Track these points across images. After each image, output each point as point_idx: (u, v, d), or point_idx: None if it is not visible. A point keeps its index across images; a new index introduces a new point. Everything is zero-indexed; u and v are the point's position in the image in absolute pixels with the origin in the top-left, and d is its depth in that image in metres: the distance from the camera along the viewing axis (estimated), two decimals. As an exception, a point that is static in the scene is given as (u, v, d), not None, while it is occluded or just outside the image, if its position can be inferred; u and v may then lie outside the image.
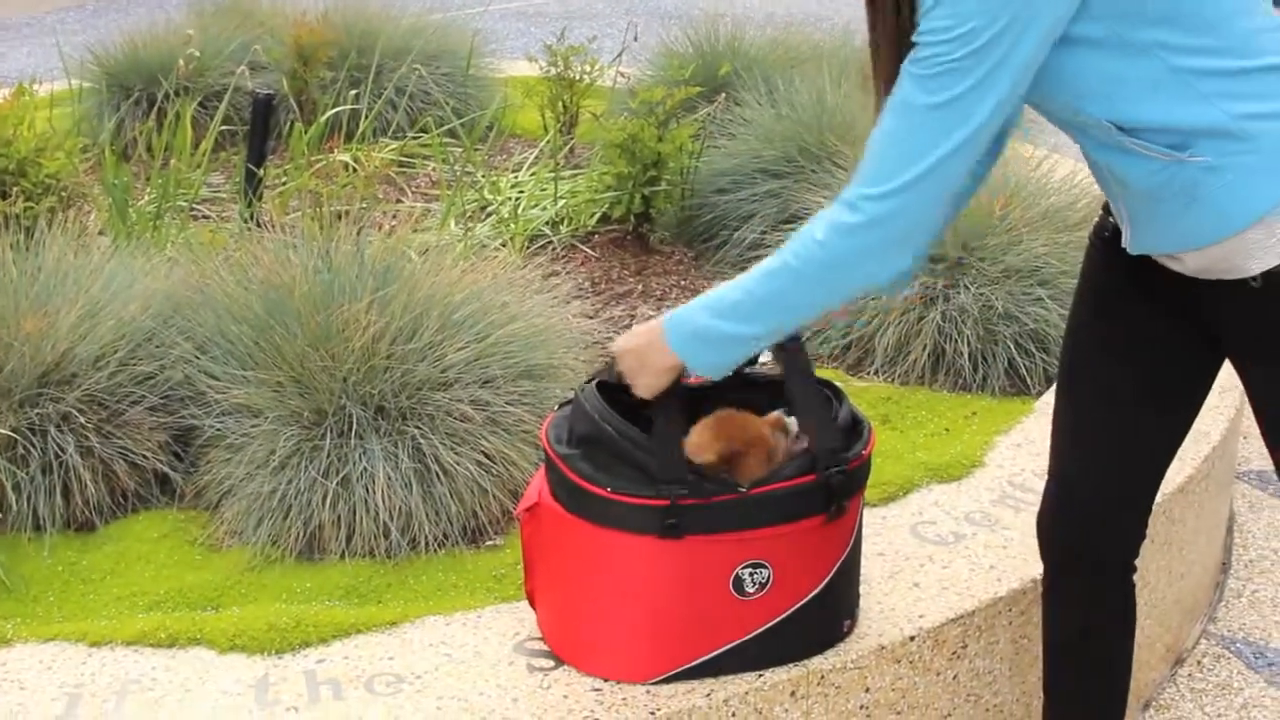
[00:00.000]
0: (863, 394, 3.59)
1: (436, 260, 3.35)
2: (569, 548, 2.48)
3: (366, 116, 5.08)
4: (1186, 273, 2.07)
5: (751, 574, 2.45)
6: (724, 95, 5.00)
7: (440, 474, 2.97)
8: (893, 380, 3.67)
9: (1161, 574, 3.16)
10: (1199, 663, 3.37)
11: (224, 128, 4.96)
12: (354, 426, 2.96)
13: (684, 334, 2.18)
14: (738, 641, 2.49)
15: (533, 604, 2.66)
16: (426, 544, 2.94)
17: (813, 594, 2.52)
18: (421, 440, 2.98)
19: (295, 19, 5.73)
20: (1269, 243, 1.95)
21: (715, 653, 2.49)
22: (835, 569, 2.53)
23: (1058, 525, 2.47)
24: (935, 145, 1.88)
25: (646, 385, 2.29)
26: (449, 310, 3.19)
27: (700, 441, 2.41)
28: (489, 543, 3.00)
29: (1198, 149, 1.93)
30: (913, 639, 2.65)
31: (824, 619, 2.57)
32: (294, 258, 3.21)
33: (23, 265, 3.24)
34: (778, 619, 2.50)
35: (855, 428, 2.54)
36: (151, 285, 3.24)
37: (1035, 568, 2.82)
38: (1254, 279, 1.98)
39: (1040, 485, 3.04)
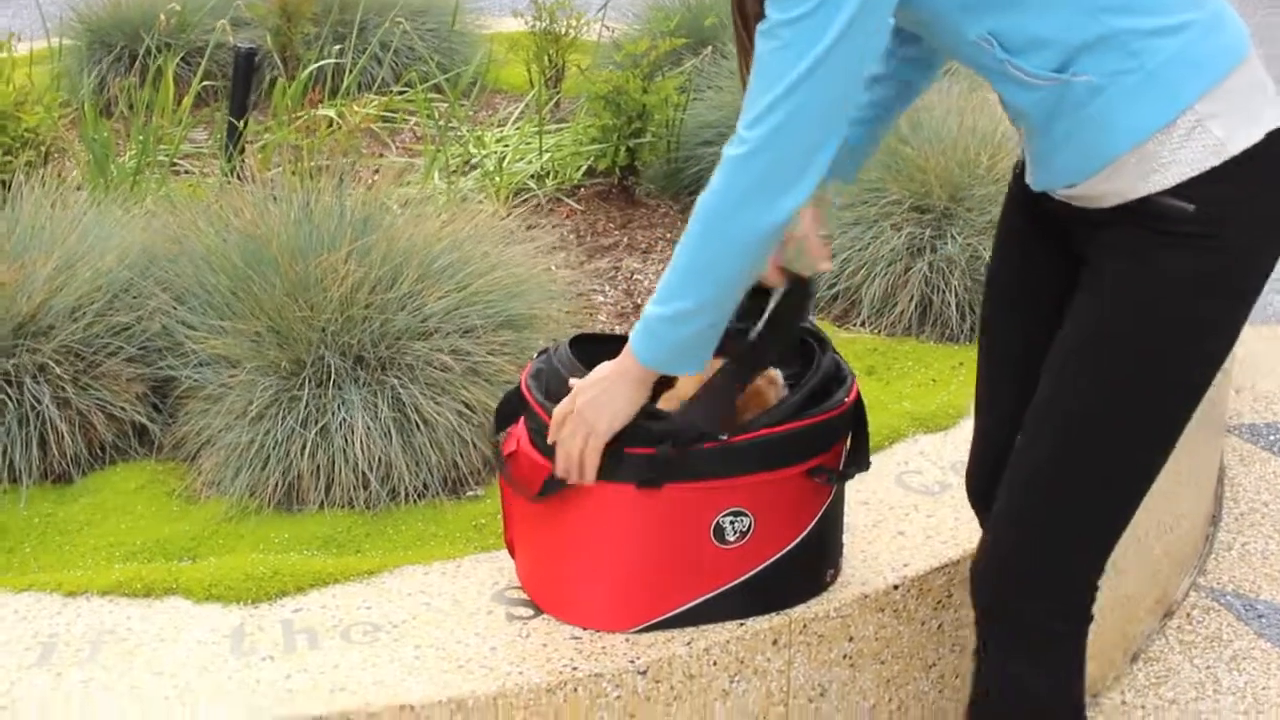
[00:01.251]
0: (849, 345, 3.56)
1: (418, 212, 3.31)
2: (548, 496, 2.45)
3: (350, 72, 5.03)
4: (1087, 206, 1.98)
5: (732, 522, 2.42)
6: (710, 48, 4.95)
7: (420, 424, 2.94)
8: (879, 332, 3.64)
9: (1150, 526, 3.13)
10: (1188, 615, 3.35)
11: (206, 83, 4.91)
12: (332, 376, 2.93)
13: (639, 337, 2.10)
14: (719, 590, 2.46)
15: (512, 553, 2.63)
16: (406, 494, 2.91)
17: (795, 543, 2.49)
18: (401, 390, 2.95)
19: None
20: (1144, 169, 1.88)
21: (696, 601, 2.46)
22: (818, 518, 2.50)
23: (982, 483, 2.38)
24: (798, 59, 1.80)
25: (619, 411, 2.22)
26: (429, 260, 3.15)
27: None
28: (469, 493, 2.97)
29: (1080, 66, 1.86)
30: (896, 588, 2.63)
31: (806, 568, 2.55)
32: (273, 209, 3.17)
33: (-1, 215, 3.20)
34: (759, 568, 2.47)
35: (838, 375, 2.51)
36: (129, 237, 3.20)
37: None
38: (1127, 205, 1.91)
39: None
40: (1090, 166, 1.91)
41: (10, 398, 2.95)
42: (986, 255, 3.61)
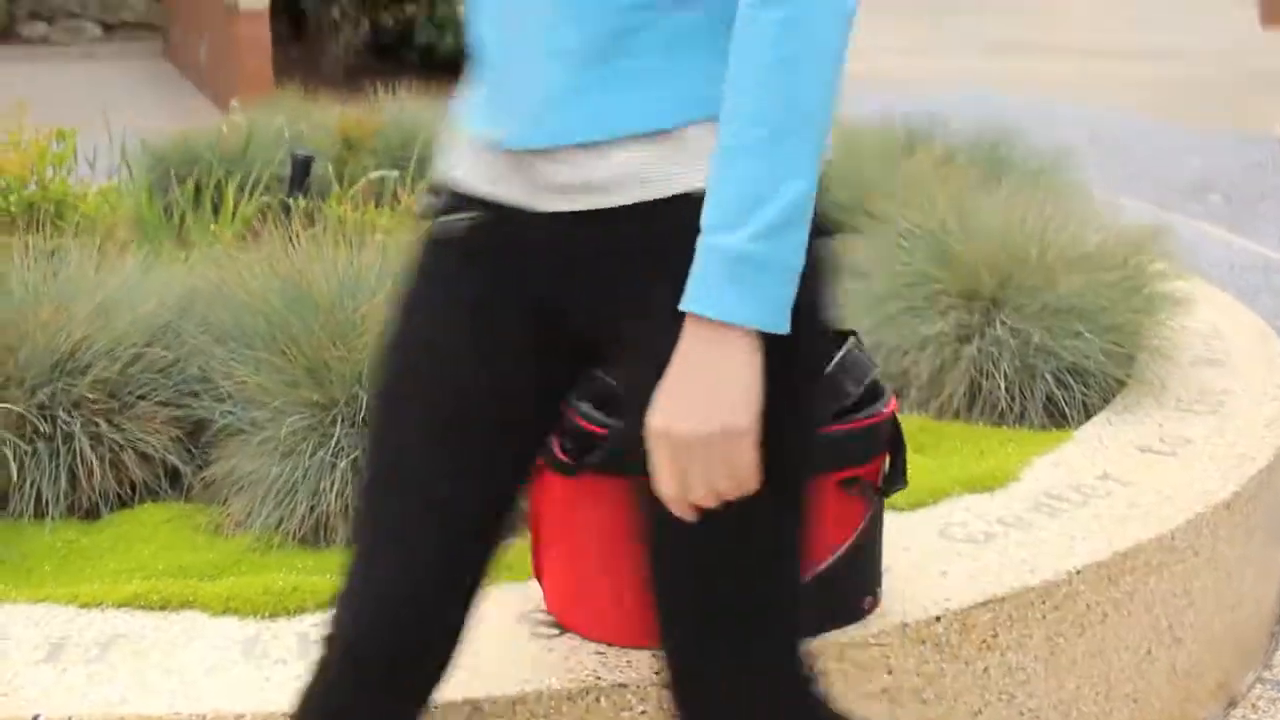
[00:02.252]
0: (896, 425, 3.49)
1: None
2: (573, 502, 2.38)
3: (406, 189, 5.09)
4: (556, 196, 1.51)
5: None
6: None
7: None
8: (927, 414, 3.57)
9: (1209, 596, 3.01)
10: (1254, 705, 3.20)
11: (264, 198, 4.98)
12: (364, 413, 2.88)
13: (734, 291, 1.38)
14: None
15: (539, 579, 2.55)
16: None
17: (830, 560, 2.40)
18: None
19: (342, 111, 5.79)
20: (696, 150, 1.46)
21: None
22: (854, 536, 2.42)
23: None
24: None
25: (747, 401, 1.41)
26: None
27: None
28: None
29: None
30: (939, 619, 2.52)
31: (843, 590, 2.45)
32: (317, 259, 3.17)
33: (45, 267, 3.22)
34: None
35: (874, 390, 2.45)
36: (172, 280, 3.21)
37: (1071, 562, 2.70)
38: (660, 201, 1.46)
39: (1076, 498, 2.94)
40: (644, 121, 1.50)
41: (43, 431, 2.92)
42: (1036, 338, 3.56)
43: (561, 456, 2.34)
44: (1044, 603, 2.64)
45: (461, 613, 1.75)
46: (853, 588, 2.47)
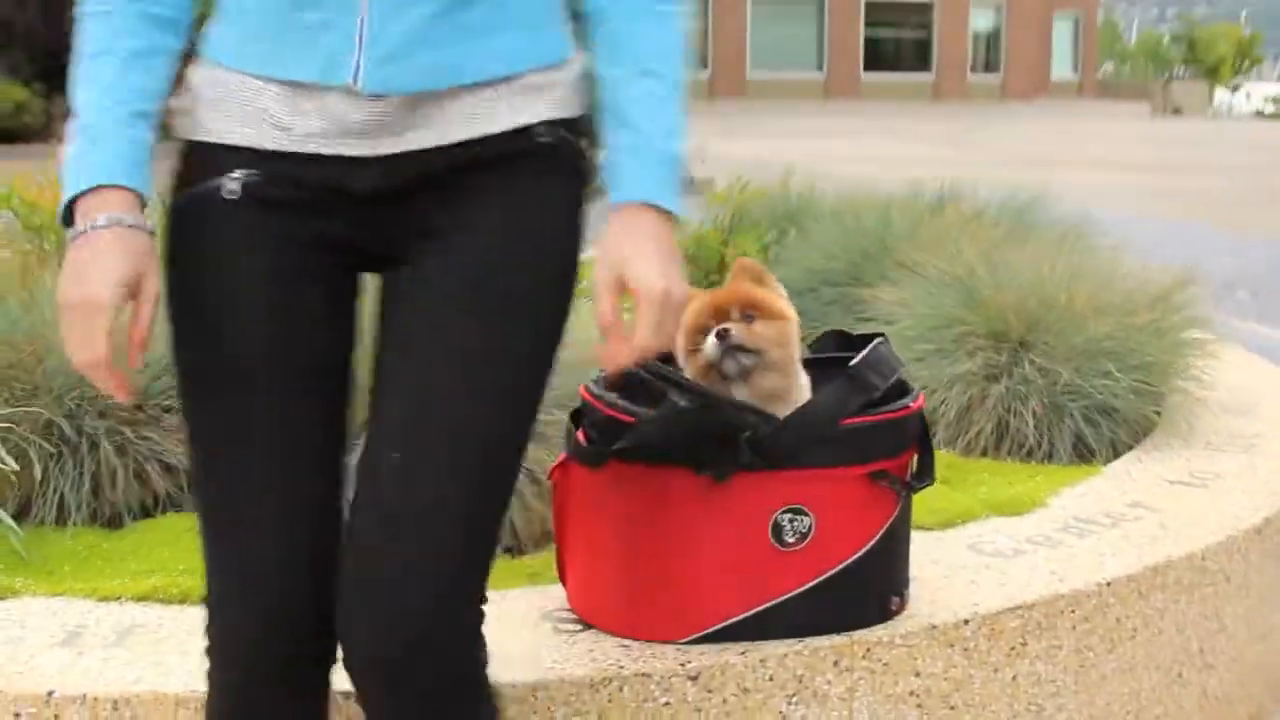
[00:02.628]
0: (923, 460, 3.47)
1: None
2: (598, 494, 2.37)
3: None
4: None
5: (791, 521, 2.32)
6: (794, 230, 4.99)
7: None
8: (956, 450, 3.55)
9: (1240, 623, 2.96)
10: (1284, 740, 3.14)
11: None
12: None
13: (673, 188, 1.70)
14: (777, 600, 2.34)
15: (564, 580, 2.53)
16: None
17: (858, 554, 2.37)
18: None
19: None
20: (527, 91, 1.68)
21: (752, 610, 2.34)
22: (882, 531, 2.40)
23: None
24: None
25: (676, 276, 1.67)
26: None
27: None
28: (526, 556, 2.87)
29: None
30: (967, 623, 2.49)
31: (870, 589, 2.42)
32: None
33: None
34: (820, 578, 2.35)
35: (901, 386, 2.44)
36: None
37: (1100, 574, 2.67)
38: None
39: (1105, 521, 2.91)
40: (532, 59, 1.73)
41: (69, 438, 2.92)
42: (1065, 377, 3.54)
43: (588, 445, 2.33)
44: (1074, 612, 2.60)
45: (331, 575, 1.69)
46: (880, 585, 2.44)
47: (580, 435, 2.37)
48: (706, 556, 2.32)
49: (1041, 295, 3.77)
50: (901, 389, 2.43)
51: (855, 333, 2.59)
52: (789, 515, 2.31)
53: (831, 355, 2.52)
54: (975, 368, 3.62)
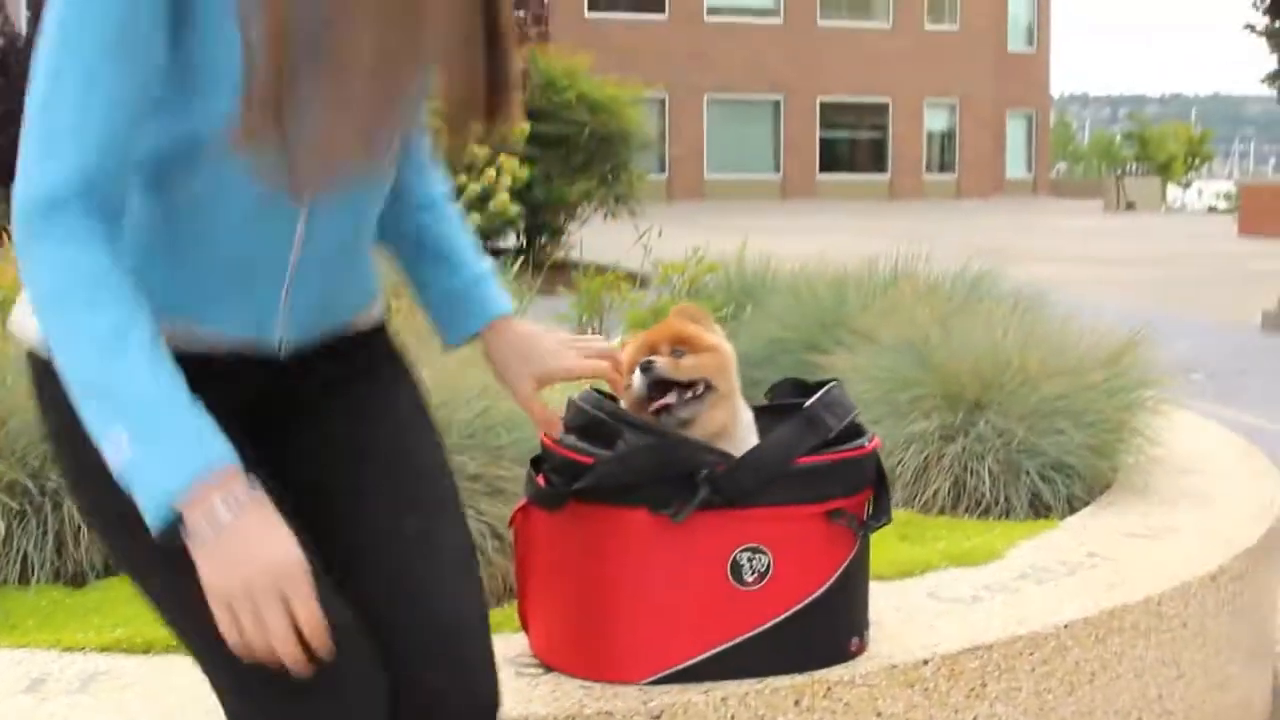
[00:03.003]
0: (882, 518, 3.50)
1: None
2: (557, 537, 2.38)
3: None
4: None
5: (750, 559, 2.34)
6: (750, 304, 5.05)
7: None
8: (914, 509, 3.58)
9: (1198, 670, 2.99)
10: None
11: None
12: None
13: None
14: (736, 639, 2.35)
15: (525, 627, 2.54)
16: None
17: (817, 593, 2.40)
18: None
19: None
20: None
21: (712, 651, 2.35)
22: (841, 569, 2.42)
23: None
24: None
25: None
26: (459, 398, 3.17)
27: None
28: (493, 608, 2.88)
29: None
30: (926, 663, 2.51)
31: (829, 628, 2.44)
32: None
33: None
34: (779, 618, 2.37)
35: (855, 428, 2.48)
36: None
37: (1060, 616, 2.70)
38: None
39: (1062, 570, 2.95)
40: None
41: (33, 496, 2.93)
42: (1020, 435, 3.59)
43: (547, 487, 2.35)
44: (1032, 654, 2.62)
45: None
46: (840, 625, 2.46)
47: (540, 479, 2.40)
48: (665, 596, 2.33)
49: (995, 358, 3.83)
50: (856, 430, 2.47)
51: (810, 380, 2.62)
52: (747, 554, 2.33)
53: (788, 401, 2.56)
54: (931, 428, 3.67)
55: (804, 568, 2.38)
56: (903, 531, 3.41)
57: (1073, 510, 3.52)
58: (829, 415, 2.41)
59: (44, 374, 1.67)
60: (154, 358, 1.56)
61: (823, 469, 2.37)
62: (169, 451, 1.52)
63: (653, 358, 2.29)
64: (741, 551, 2.33)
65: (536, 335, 2.12)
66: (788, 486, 2.34)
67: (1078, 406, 3.68)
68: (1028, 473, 3.55)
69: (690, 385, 2.30)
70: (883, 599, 2.77)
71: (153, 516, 1.52)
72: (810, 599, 2.39)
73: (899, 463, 3.64)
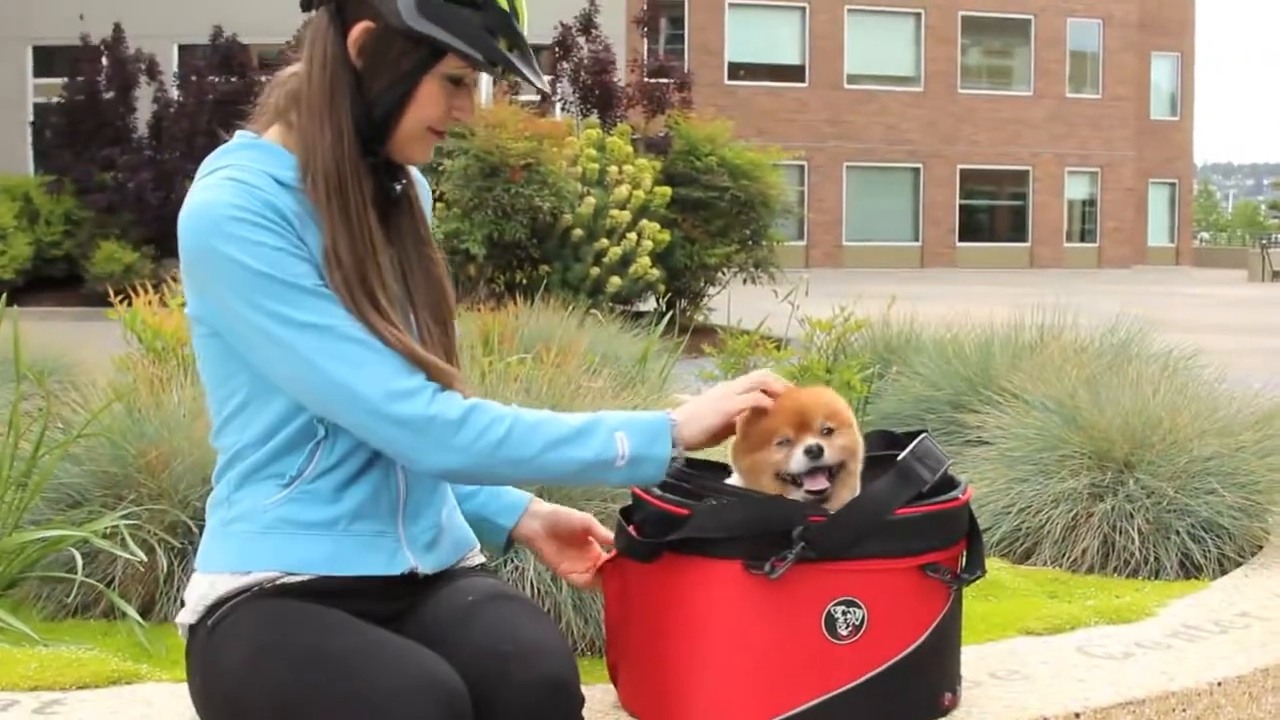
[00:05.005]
0: (1030, 575, 3.48)
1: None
2: (648, 589, 2.35)
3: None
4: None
5: (845, 613, 2.29)
6: (895, 363, 5.05)
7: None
8: (1062, 568, 3.55)
9: None
10: None
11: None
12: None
13: None
14: (830, 694, 2.28)
15: (614, 678, 2.53)
16: (574, 645, 2.85)
17: (911, 648, 2.33)
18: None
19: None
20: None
21: (805, 706, 2.28)
22: (935, 623, 2.36)
23: None
24: None
25: None
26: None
27: None
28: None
29: None
30: (1078, 716, 2.50)
31: (924, 683, 2.36)
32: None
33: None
34: (873, 672, 2.29)
35: (949, 479, 2.44)
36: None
37: (1213, 674, 2.67)
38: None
39: (1214, 629, 2.91)
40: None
41: (193, 536, 3.01)
42: (1170, 494, 3.55)
43: (644, 539, 2.34)
44: (1185, 711, 2.59)
45: None
46: (933, 680, 2.39)
47: (632, 529, 2.39)
48: (758, 649, 2.28)
49: (1144, 418, 3.79)
50: (950, 482, 2.44)
51: (900, 431, 2.59)
52: (841, 607, 2.28)
53: (878, 454, 2.54)
54: (1080, 486, 3.64)
55: (899, 621, 2.32)
56: (1051, 589, 3.39)
57: (1224, 571, 3.47)
58: (922, 467, 2.35)
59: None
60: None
61: (916, 521, 2.31)
62: (641, 421, 2.08)
63: (818, 442, 2.28)
64: (836, 605, 2.28)
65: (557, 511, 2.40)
66: (881, 539, 2.28)
67: (1228, 467, 3.63)
68: (1178, 532, 3.51)
69: (841, 466, 2.30)
70: (1031, 654, 2.76)
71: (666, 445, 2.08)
72: (905, 653, 2.32)
73: (1047, 520, 3.61)
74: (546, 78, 12.59)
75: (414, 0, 1.93)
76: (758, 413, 2.26)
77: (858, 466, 2.33)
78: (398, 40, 1.95)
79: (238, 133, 2.06)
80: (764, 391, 2.20)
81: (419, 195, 2.17)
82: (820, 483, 2.27)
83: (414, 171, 2.17)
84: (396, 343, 1.96)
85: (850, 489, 2.32)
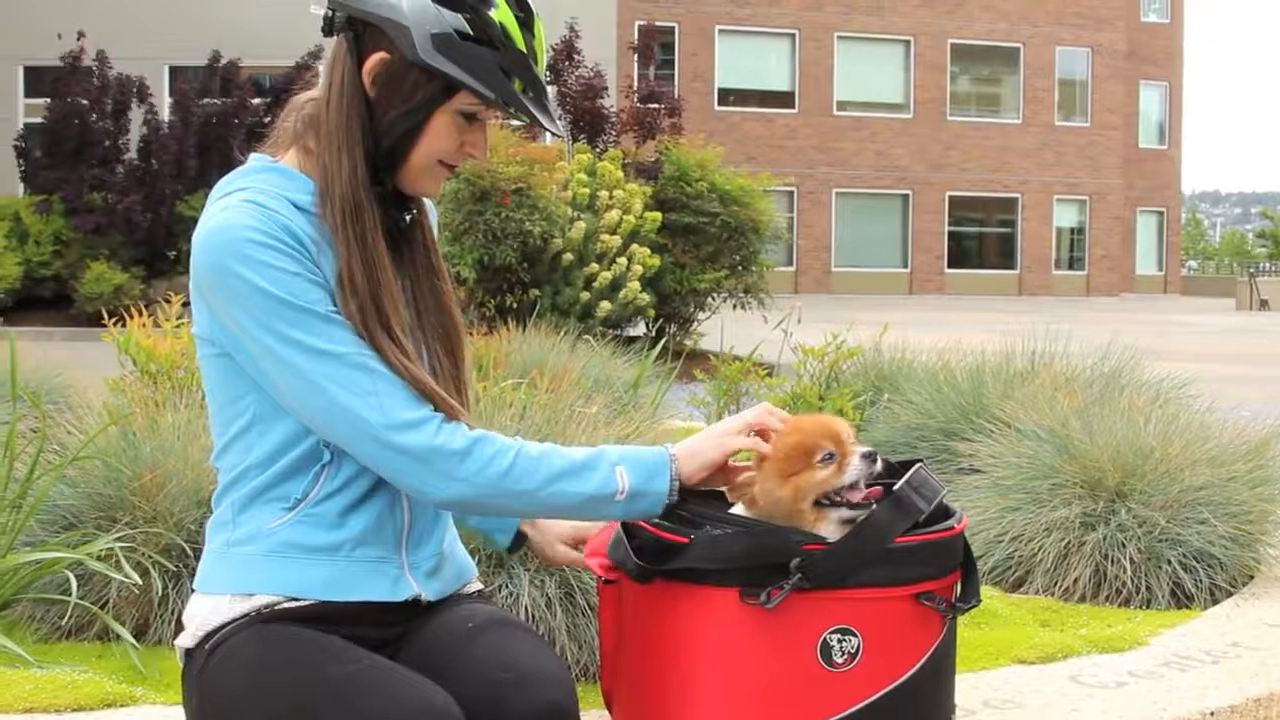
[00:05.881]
0: (1022, 604, 3.49)
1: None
2: (642, 613, 2.36)
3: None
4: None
5: (840, 641, 2.29)
6: (886, 396, 5.07)
7: (587, 608, 2.92)
8: (1054, 596, 3.56)
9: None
10: None
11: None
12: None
13: None
14: None
15: (609, 705, 2.53)
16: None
17: (906, 676, 2.33)
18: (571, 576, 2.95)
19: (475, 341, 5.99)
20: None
21: None
22: (930, 652, 2.36)
23: None
24: None
25: None
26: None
27: None
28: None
29: None
30: (1072, 745, 2.50)
31: (918, 712, 2.35)
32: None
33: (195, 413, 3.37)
34: (868, 700, 2.29)
35: (944, 509, 2.44)
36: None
37: (1205, 703, 2.67)
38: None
39: (1206, 659, 2.92)
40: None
41: (187, 559, 3.01)
42: (1162, 526, 3.57)
43: (640, 561, 2.34)
44: (1178, 740, 2.60)
45: None
46: (928, 708, 2.36)
47: (631, 551, 2.38)
48: (754, 677, 2.25)
49: (1136, 448, 3.80)
50: (945, 511, 2.44)
51: (894, 459, 2.60)
52: (837, 635, 2.27)
53: (873, 482, 2.55)
54: (1071, 515, 3.66)
55: (894, 650, 2.31)
56: (1043, 618, 3.40)
57: (1215, 600, 3.49)
58: (918, 497, 2.36)
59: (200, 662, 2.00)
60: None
61: (912, 550, 2.30)
62: (642, 457, 2.10)
63: (870, 448, 2.29)
64: (832, 633, 2.28)
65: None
66: (878, 568, 2.27)
67: (1220, 497, 3.65)
68: (1169, 562, 3.52)
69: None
70: (1023, 682, 2.77)
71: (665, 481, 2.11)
72: (900, 681, 2.31)
73: (1039, 549, 3.62)
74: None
75: (431, 35, 1.94)
76: (783, 438, 2.28)
77: None
78: (412, 73, 1.96)
79: (253, 155, 2.06)
80: (760, 431, 2.20)
81: (430, 225, 2.18)
82: (862, 493, 2.28)
83: (426, 200, 2.19)
84: (405, 372, 1.97)
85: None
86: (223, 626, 1.99)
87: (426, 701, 1.87)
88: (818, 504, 2.30)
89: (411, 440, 1.93)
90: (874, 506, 2.27)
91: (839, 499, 2.29)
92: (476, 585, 2.27)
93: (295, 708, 1.89)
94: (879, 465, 2.28)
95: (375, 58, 1.96)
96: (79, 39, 19.70)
